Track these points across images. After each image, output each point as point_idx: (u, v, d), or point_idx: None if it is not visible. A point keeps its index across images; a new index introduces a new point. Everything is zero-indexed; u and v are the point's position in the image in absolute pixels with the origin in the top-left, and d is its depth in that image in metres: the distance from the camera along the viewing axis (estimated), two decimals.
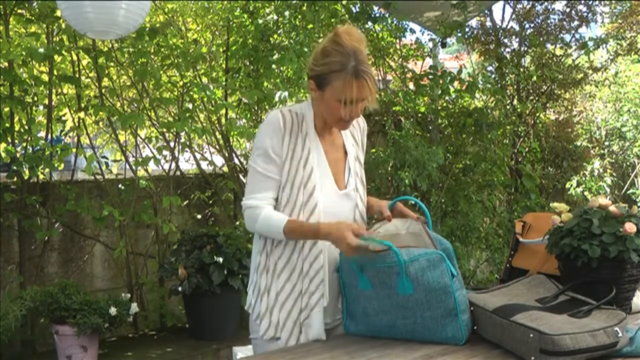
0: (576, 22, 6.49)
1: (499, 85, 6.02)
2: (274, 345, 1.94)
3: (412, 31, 8.28)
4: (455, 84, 5.30)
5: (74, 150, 4.48)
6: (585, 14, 6.53)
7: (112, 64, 4.50)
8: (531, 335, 1.57)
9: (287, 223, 1.88)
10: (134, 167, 4.51)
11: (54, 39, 4.22)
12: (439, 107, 5.41)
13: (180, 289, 4.25)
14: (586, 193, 6.58)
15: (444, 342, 1.76)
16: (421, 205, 2.01)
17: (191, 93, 4.70)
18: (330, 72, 1.86)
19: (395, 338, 1.82)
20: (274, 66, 4.62)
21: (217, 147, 5.19)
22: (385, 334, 1.83)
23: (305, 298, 1.93)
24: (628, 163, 7.58)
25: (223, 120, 5.05)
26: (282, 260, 1.95)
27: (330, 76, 1.86)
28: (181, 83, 4.78)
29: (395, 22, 5.64)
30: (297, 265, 1.94)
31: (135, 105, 4.76)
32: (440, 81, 5.08)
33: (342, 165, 2.04)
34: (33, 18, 4.09)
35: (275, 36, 4.83)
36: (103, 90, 4.45)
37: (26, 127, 4.13)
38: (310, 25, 4.78)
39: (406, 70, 5.68)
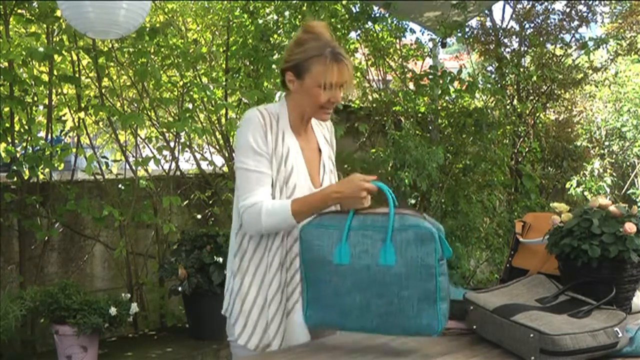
0: (576, 22, 6.50)
1: (499, 85, 6.01)
2: (248, 349, 1.92)
3: (412, 31, 8.27)
4: (455, 84, 5.30)
5: (74, 150, 4.48)
6: (585, 14, 6.53)
7: (112, 64, 4.50)
8: (531, 335, 1.57)
9: (291, 205, 1.83)
10: (134, 167, 4.51)
11: (54, 39, 4.21)
12: (439, 107, 5.41)
13: (180, 289, 4.25)
14: (586, 193, 6.58)
15: (417, 332, 1.67)
16: (385, 189, 1.80)
17: (191, 93, 4.70)
18: (308, 59, 1.88)
19: (365, 330, 1.71)
20: (274, 66, 4.62)
21: (217, 147, 5.19)
22: (355, 322, 1.70)
23: (289, 289, 1.93)
24: (628, 163, 7.59)
25: (223, 120, 5.05)
26: (259, 257, 1.93)
27: (309, 62, 1.87)
28: (181, 83, 4.78)
29: (395, 22, 5.64)
30: (274, 260, 1.91)
31: (135, 105, 4.76)
32: (440, 81, 5.08)
33: (317, 163, 2.04)
34: (33, 18, 4.08)
35: (275, 36, 4.83)
36: (103, 90, 4.45)
37: (26, 127, 4.13)
38: None
39: (406, 70, 5.68)
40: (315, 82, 1.88)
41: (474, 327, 1.78)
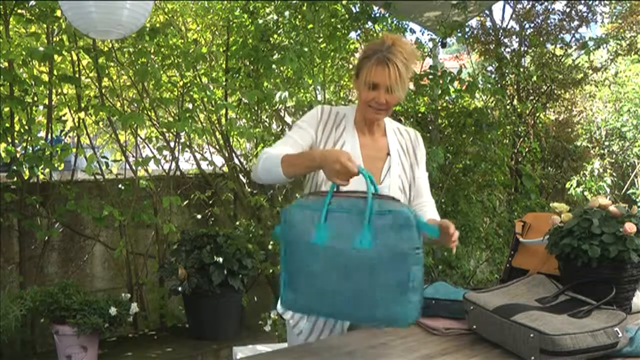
0: (576, 22, 6.50)
1: (499, 85, 6.01)
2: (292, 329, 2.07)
3: (412, 31, 8.26)
4: (455, 84, 5.29)
5: (74, 150, 4.49)
6: (585, 14, 6.53)
7: (112, 64, 4.51)
8: (531, 335, 1.57)
9: (284, 155, 1.88)
10: (134, 167, 4.51)
11: (54, 39, 4.22)
12: (439, 107, 5.40)
13: (180, 289, 4.25)
14: (586, 193, 6.57)
15: (388, 322, 1.66)
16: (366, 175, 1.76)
17: (191, 93, 4.70)
18: (363, 59, 2.03)
19: (338, 315, 1.71)
20: (274, 66, 4.62)
21: (217, 147, 5.19)
22: (327, 306, 1.68)
23: None
24: (628, 163, 7.58)
25: (223, 120, 5.05)
26: None
27: (362, 63, 2.03)
28: (181, 83, 4.78)
29: (395, 22, 5.64)
30: None
31: (135, 105, 4.77)
32: (440, 81, 5.08)
33: (380, 164, 2.10)
34: (33, 18, 4.09)
35: (275, 36, 4.83)
36: (103, 90, 4.45)
37: (26, 127, 4.13)
38: (310, 25, 4.78)
39: None
40: (362, 80, 2.01)
41: (474, 327, 1.78)
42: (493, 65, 6.47)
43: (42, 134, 4.35)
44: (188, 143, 4.94)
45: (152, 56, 4.50)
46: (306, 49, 4.50)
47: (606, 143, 7.44)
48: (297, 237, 1.69)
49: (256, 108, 5.05)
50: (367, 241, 1.61)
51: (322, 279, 1.65)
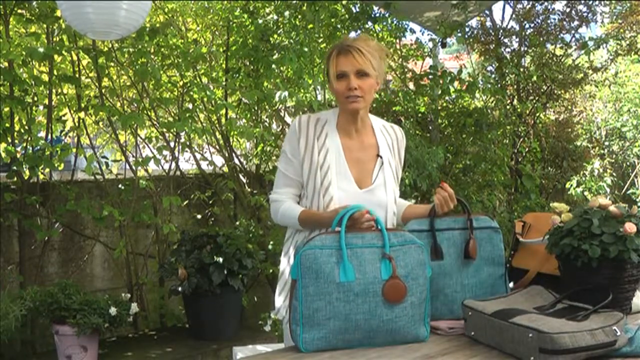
0: (576, 22, 6.50)
1: (499, 85, 6.01)
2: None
3: (412, 31, 8.28)
4: (455, 84, 5.29)
5: (74, 150, 4.48)
6: (585, 14, 6.53)
7: (112, 64, 4.51)
8: (530, 335, 1.57)
9: (300, 214, 2.03)
10: (134, 167, 4.51)
11: (54, 39, 4.22)
12: (439, 107, 5.40)
13: (180, 289, 4.25)
14: (586, 193, 6.57)
15: (406, 342, 1.76)
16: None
17: (191, 93, 4.70)
18: (327, 63, 2.05)
19: (355, 345, 1.73)
20: (274, 66, 4.62)
21: (217, 147, 5.19)
22: (347, 341, 1.72)
23: None
24: (628, 163, 7.59)
25: (223, 120, 5.05)
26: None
27: (327, 66, 2.05)
28: (181, 83, 4.78)
29: (395, 22, 5.64)
30: None
31: (135, 105, 4.77)
32: (440, 81, 5.08)
33: (370, 165, 2.11)
34: (33, 18, 4.09)
35: (275, 36, 4.83)
36: (103, 90, 4.45)
37: (26, 127, 4.13)
38: (310, 25, 4.78)
39: (406, 70, 5.68)
40: (331, 77, 2.03)
41: (472, 333, 1.77)
42: (493, 65, 6.47)
43: (42, 134, 4.35)
44: (188, 143, 4.94)
45: (152, 56, 4.50)
46: (306, 49, 4.50)
47: (606, 143, 7.44)
48: (318, 277, 1.70)
49: (256, 108, 5.05)
50: (389, 273, 1.71)
51: (346, 316, 1.70)
